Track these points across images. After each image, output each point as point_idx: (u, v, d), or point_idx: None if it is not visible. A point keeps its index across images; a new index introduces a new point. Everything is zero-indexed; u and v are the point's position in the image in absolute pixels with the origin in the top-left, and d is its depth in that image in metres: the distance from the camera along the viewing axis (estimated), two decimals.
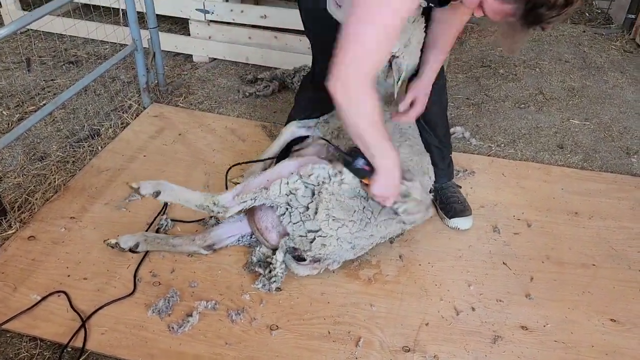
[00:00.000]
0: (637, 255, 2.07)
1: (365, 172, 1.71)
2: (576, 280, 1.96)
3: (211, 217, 2.09)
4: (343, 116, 1.57)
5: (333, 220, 1.78)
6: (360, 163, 1.71)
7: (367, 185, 1.73)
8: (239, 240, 2.03)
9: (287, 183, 1.80)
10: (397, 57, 1.85)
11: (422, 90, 1.95)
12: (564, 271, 1.99)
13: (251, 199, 1.81)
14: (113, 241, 1.93)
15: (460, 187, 2.30)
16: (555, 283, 1.94)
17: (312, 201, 1.81)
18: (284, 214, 1.84)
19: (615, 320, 1.81)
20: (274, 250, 1.91)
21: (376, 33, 1.45)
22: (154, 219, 2.12)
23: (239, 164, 2.38)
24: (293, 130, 2.19)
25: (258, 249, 1.94)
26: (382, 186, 1.70)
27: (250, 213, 1.96)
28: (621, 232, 2.18)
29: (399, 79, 1.88)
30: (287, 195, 1.81)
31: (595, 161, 2.64)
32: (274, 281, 1.84)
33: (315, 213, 1.79)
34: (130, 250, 1.93)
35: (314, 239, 1.81)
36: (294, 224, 1.83)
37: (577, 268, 2.01)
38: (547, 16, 1.30)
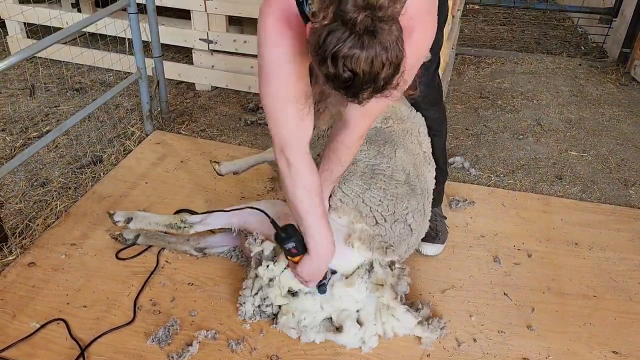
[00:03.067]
0: (637, 287, 2.07)
1: (294, 254, 1.70)
2: (577, 312, 1.95)
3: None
4: (283, 183, 1.61)
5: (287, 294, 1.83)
6: (290, 245, 1.69)
7: (294, 262, 1.71)
8: (229, 252, 2.10)
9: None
10: None
11: None
12: (565, 302, 1.99)
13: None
14: (117, 232, 2.11)
15: (446, 217, 2.29)
16: (557, 314, 1.94)
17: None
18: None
19: (617, 353, 1.80)
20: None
21: (280, 105, 1.49)
22: (146, 248, 2.13)
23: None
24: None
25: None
26: (307, 270, 1.69)
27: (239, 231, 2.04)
28: (621, 264, 2.18)
29: None
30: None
31: (593, 192, 2.67)
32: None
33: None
34: (132, 243, 2.10)
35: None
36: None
37: (578, 299, 2.01)
38: (338, 86, 1.22)
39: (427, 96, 1.95)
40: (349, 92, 1.23)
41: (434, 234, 2.17)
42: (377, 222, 1.83)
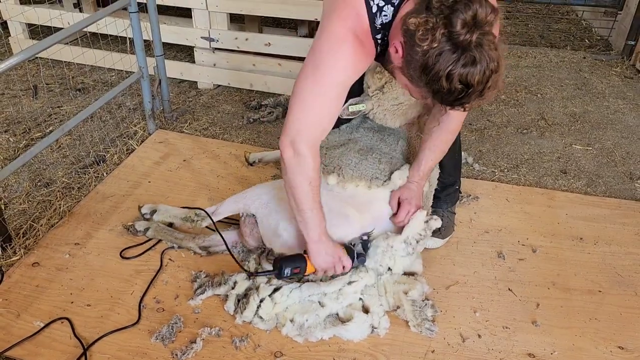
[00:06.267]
0: None
1: (298, 272, 1.78)
2: (583, 307, 1.94)
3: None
4: (285, 174, 1.64)
5: None
6: (287, 272, 1.77)
7: (310, 272, 1.81)
8: (231, 250, 2.09)
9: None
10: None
11: (408, 194, 1.94)
12: (571, 297, 1.98)
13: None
14: (129, 223, 2.20)
15: (455, 213, 2.28)
16: (562, 309, 1.92)
17: None
18: None
19: (623, 348, 1.79)
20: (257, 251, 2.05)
21: (320, 98, 1.53)
22: (156, 243, 2.14)
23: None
24: None
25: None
26: (321, 260, 1.75)
27: (238, 226, 2.12)
28: (627, 258, 2.17)
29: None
30: None
31: (598, 186, 2.65)
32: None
33: None
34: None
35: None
36: None
37: (583, 294, 1.99)
38: (451, 99, 1.34)
39: None
40: (456, 103, 1.34)
41: (437, 229, 2.16)
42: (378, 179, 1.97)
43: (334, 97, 1.56)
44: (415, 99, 1.52)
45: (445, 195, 2.20)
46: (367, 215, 1.93)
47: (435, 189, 2.16)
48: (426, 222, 1.92)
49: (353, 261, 1.83)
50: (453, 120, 1.83)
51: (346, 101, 1.93)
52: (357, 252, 1.85)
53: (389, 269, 1.92)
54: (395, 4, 1.47)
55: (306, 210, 1.67)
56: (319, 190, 1.68)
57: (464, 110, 1.41)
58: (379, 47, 1.57)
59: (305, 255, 1.81)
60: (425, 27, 1.27)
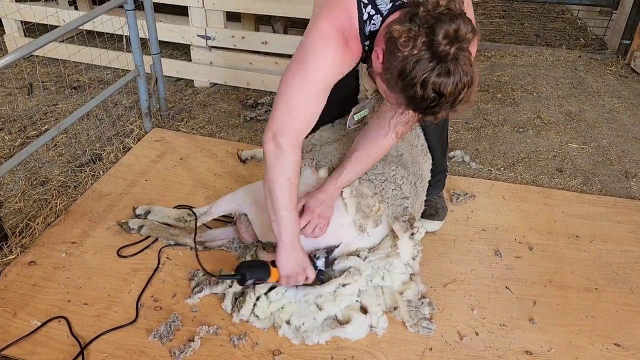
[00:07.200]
0: (639, 279, 2.07)
1: (261, 282, 1.77)
2: (579, 305, 1.95)
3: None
4: (266, 169, 1.64)
5: None
6: (250, 282, 1.75)
7: (274, 279, 1.78)
8: (228, 245, 2.11)
9: None
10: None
11: (313, 203, 1.83)
12: (567, 295, 1.99)
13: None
14: (123, 220, 2.19)
15: (442, 196, 2.34)
16: (559, 307, 1.93)
17: None
18: None
19: (619, 345, 1.80)
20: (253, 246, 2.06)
21: (304, 94, 1.56)
22: (153, 242, 2.13)
23: None
24: None
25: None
26: (289, 266, 1.72)
27: (234, 222, 2.13)
28: (622, 256, 2.18)
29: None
30: None
31: (594, 184, 2.66)
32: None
33: None
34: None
35: None
36: None
37: (579, 292, 2.00)
38: (423, 106, 1.39)
39: None
40: (428, 111, 1.40)
41: (434, 211, 2.24)
42: (368, 179, 1.93)
43: (318, 93, 1.59)
44: (391, 105, 1.55)
45: (436, 181, 2.24)
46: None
47: None
48: (411, 237, 1.87)
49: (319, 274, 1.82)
50: (386, 136, 1.80)
51: (349, 111, 1.95)
52: (319, 267, 1.82)
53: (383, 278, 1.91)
54: (384, 14, 1.52)
55: (281, 209, 1.65)
56: (296, 191, 1.67)
57: (435, 120, 1.45)
58: (364, 54, 1.62)
59: (269, 264, 1.77)
60: (407, 35, 1.32)
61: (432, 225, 2.23)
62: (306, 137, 2.36)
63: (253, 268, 1.78)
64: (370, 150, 1.87)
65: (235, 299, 1.85)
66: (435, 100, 1.35)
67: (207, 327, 1.76)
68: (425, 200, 2.17)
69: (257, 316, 1.79)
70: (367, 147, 1.87)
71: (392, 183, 1.94)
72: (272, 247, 1.97)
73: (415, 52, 1.32)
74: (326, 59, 1.54)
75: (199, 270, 1.98)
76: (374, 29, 1.54)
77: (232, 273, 1.80)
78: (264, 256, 1.96)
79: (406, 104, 1.42)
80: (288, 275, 1.74)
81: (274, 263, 1.76)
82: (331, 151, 2.06)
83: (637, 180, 2.70)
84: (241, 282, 1.78)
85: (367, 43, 1.59)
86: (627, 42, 4.06)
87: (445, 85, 1.33)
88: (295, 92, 1.57)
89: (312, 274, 1.78)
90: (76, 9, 3.87)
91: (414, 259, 1.92)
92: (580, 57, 4.15)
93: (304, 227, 1.81)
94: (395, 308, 1.85)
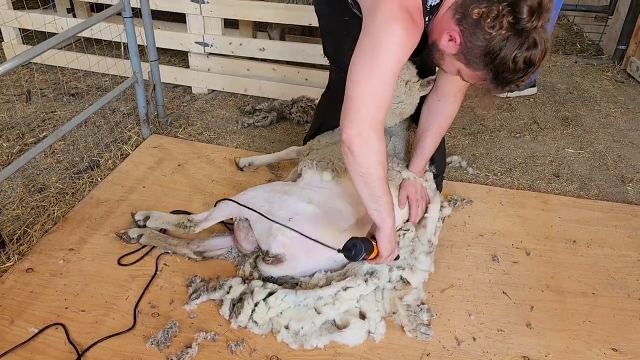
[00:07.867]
0: (636, 284, 2.07)
1: (369, 254, 1.76)
2: (576, 309, 1.95)
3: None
4: (356, 165, 1.59)
5: None
6: (362, 257, 1.74)
7: (372, 259, 1.80)
8: (227, 254, 2.12)
9: None
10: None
11: (414, 192, 2.11)
12: (564, 300, 1.99)
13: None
14: (122, 230, 2.18)
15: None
16: (556, 312, 1.94)
17: None
18: None
19: (616, 350, 1.80)
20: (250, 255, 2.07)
21: (379, 81, 1.52)
22: (151, 248, 2.13)
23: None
24: (287, 152, 2.54)
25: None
26: (390, 246, 1.77)
27: (232, 231, 2.14)
28: (619, 260, 2.18)
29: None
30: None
31: (591, 189, 2.67)
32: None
33: None
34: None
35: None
36: None
37: (577, 297, 2.00)
38: (513, 78, 1.45)
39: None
40: (517, 81, 1.46)
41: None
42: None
43: (392, 76, 1.55)
44: (466, 81, 1.60)
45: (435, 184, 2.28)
46: (361, 209, 1.92)
47: None
48: (440, 210, 2.15)
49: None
50: (449, 104, 1.97)
51: None
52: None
53: (405, 281, 1.95)
54: None
55: (383, 196, 1.65)
56: (387, 175, 1.68)
57: (511, 91, 1.55)
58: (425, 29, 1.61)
59: (372, 242, 1.76)
60: (491, 16, 1.36)
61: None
62: (305, 142, 2.39)
63: (364, 244, 1.73)
64: (439, 122, 2.03)
65: (233, 305, 1.85)
66: (525, 71, 1.42)
67: (204, 333, 1.76)
68: None
69: (255, 322, 1.79)
70: (436, 120, 2.03)
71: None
72: (271, 256, 1.96)
73: (503, 32, 1.37)
74: (398, 39, 1.49)
75: (196, 276, 1.98)
76: (435, 2, 1.53)
77: (345, 247, 1.74)
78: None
79: (492, 78, 1.47)
80: (387, 256, 1.78)
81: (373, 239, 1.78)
82: (330, 152, 2.12)
83: (634, 185, 2.71)
84: (355, 256, 1.73)
85: (426, 19, 1.56)
86: (623, 47, 4.09)
87: (534, 55, 1.40)
88: (371, 83, 1.52)
89: (397, 252, 1.86)
90: (74, 16, 3.88)
91: (435, 233, 2.13)
92: (576, 62, 4.17)
93: (410, 215, 2.12)
94: (394, 312, 1.86)
